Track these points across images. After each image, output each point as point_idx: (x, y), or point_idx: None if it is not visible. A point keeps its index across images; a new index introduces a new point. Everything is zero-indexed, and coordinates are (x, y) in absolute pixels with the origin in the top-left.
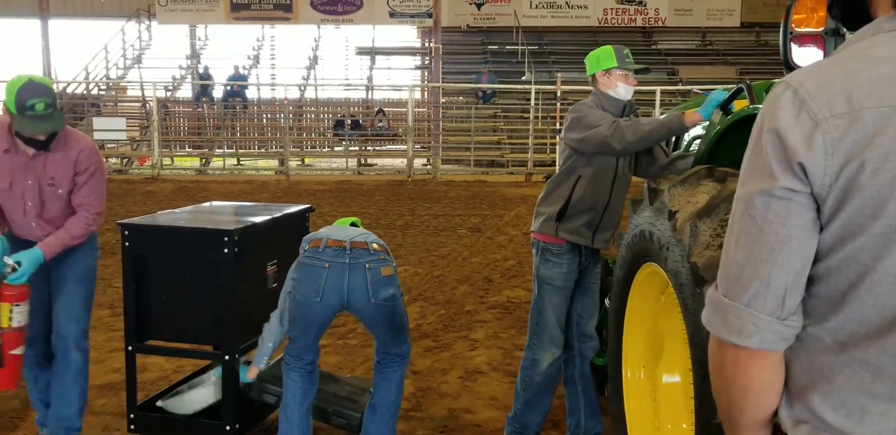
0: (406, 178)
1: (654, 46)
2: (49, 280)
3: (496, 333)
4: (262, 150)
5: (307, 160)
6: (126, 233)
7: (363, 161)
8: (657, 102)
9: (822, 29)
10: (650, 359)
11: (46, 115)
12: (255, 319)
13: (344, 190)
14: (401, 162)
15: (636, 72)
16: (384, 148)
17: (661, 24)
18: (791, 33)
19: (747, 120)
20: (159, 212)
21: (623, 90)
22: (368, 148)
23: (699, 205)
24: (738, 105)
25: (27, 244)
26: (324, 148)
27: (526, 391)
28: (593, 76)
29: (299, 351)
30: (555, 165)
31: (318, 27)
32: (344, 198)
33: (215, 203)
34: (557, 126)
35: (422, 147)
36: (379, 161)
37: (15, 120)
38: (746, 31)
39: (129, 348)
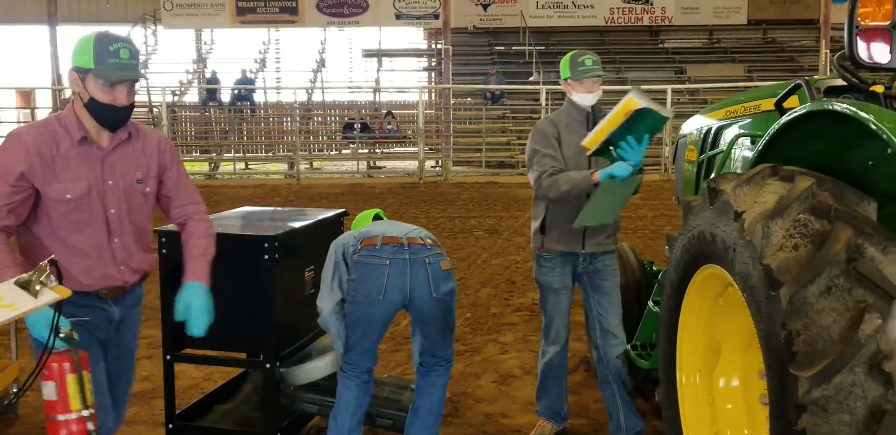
0: (417, 180)
1: (661, 45)
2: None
3: (525, 335)
4: (271, 154)
5: (316, 163)
6: (163, 240)
7: (372, 164)
8: (668, 101)
9: (889, 22)
10: (706, 363)
11: (132, 65)
12: (293, 326)
13: (356, 193)
14: (409, 164)
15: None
16: (391, 150)
17: (668, 23)
18: (857, 27)
19: (806, 117)
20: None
21: (580, 98)
22: (377, 151)
23: (768, 205)
24: (790, 103)
25: (80, 307)
26: (331, 151)
27: (538, 379)
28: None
29: (357, 357)
30: None
31: (325, 30)
32: (357, 201)
33: (248, 208)
34: None
35: (430, 149)
36: (387, 164)
37: (91, 77)
38: (753, 29)
39: (168, 357)
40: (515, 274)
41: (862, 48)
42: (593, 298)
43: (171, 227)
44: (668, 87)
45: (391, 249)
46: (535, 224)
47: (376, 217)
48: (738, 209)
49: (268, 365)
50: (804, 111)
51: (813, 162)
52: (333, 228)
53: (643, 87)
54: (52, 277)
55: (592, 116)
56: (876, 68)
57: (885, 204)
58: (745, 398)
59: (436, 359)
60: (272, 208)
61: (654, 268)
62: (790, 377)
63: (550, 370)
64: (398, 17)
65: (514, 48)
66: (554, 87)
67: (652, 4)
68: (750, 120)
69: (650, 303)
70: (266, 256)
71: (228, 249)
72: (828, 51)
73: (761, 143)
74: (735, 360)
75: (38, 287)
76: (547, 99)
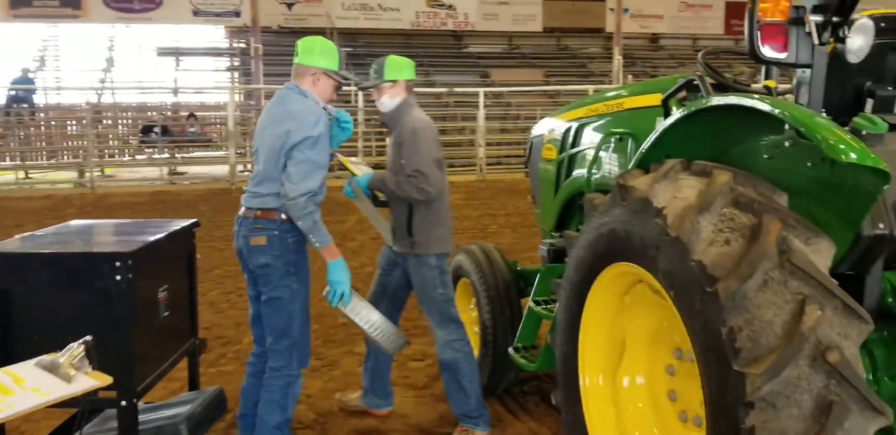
0: (230, 185)
1: (465, 50)
2: None
3: None
4: (54, 161)
5: (108, 171)
6: None
7: (172, 169)
8: (481, 104)
9: (786, 19)
10: (609, 363)
11: None
12: (150, 355)
13: (162, 201)
14: (215, 169)
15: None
16: (193, 155)
17: (470, 29)
18: (757, 23)
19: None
20: (16, 236)
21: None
22: (177, 155)
23: (690, 200)
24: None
25: None
26: (124, 157)
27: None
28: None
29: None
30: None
31: (112, 26)
32: (164, 209)
33: (79, 222)
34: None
35: (239, 153)
36: (190, 169)
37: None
38: (548, 36)
39: None
40: (355, 280)
41: (762, 43)
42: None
43: None
44: (481, 91)
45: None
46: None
47: None
48: (657, 205)
49: (123, 402)
50: (706, 105)
51: (701, 157)
52: (186, 240)
53: (456, 89)
54: (87, 361)
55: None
56: (774, 63)
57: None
58: (651, 396)
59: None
60: (107, 221)
61: (519, 268)
62: (734, 375)
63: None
64: (196, 13)
65: None
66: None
67: (455, 10)
68: (612, 118)
69: (531, 303)
70: (118, 277)
71: (71, 270)
72: (620, 57)
73: (651, 138)
74: (640, 357)
75: (71, 372)
76: (357, 100)
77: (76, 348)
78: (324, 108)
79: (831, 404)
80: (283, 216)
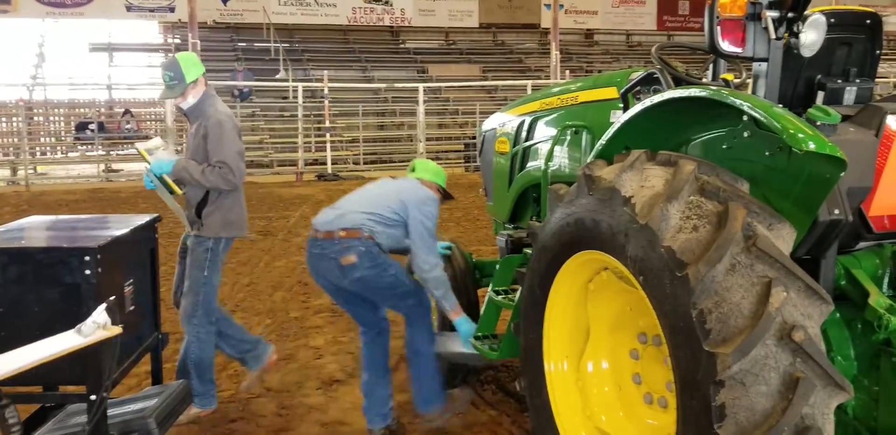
0: None
1: (402, 45)
2: None
3: (335, 338)
4: None
5: (40, 168)
6: None
7: (108, 167)
8: (420, 100)
9: (744, 14)
10: (573, 349)
11: None
12: (118, 348)
13: (100, 199)
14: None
15: None
16: (126, 152)
17: (407, 24)
18: (717, 18)
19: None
20: None
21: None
22: (114, 153)
23: (657, 188)
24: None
25: None
26: (55, 154)
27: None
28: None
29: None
30: (325, 164)
31: (43, 21)
32: (103, 207)
33: (38, 218)
34: (327, 123)
35: (178, 150)
36: (126, 166)
37: None
38: (485, 32)
39: None
40: (304, 275)
41: (721, 38)
42: None
43: None
44: (420, 86)
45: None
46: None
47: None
48: (625, 194)
49: (93, 397)
50: (669, 98)
51: (661, 148)
52: (147, 235)
53: (396, 85)
54: (108, 321)
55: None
56: (733, 56)
57: None
58: (616, 379)
59: None
60: (67, 217)
61: (475, 259)
62: (705, 355)
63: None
64: (129, 9)
65: (257, 45)
66: (309, 84)
67: (391, 5)
68: (566, 111)
69: (491, 293)
70: (87, 271)
71: (38, 265)
72: (557, 52)
73: (611, 130)
74: (603, 342)
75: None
76: (296, 96)
77: (101, 309)
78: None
79: (797, 381)
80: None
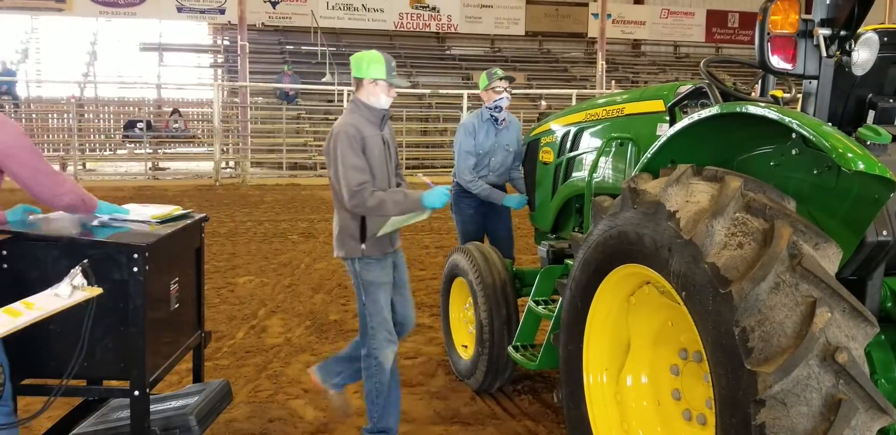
0: (214, 182)
1: (447, 51)
2: None
3: None
4: None
5: (89, 164)
6: (3, 253)
7: (155, 165)
8: (464, 106)
9: (795, 31)
10: (613, 362)
11: None
12: (162, 347)
13: (147, 196)
14: (197, 165)
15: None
16: (175, 150)
17: (453, 31)
18: (768, 34)
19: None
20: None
21: (385, 101)
22: (161, 151)
23: (703, 204)
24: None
25: None
26: (104, 151)
27: (380, 396)
28: (360, 81)
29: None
30: None
31: (96, 20)
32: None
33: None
34: None
35: (223, 150)
36: (171, 165)
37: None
38: (531, 40)
39: None
40: (344, 278)
41: (772, 54)
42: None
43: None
44: (465, 93)
45: None
46: (345, 232)
47: None
48: (670, 209)
49: (136, 392)
50: (717, 113)
51: (706, 163)
52: (195, 234)
53: (440, 91)
54: (85, 281)
55: (384, 119)
56: (783, 73)
57: None
58: (655, 395)
59: None
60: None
61: (514, 268)
62: (746, 373)
63: (392, 376)
64: (180, 10)
65: (304, 48)
66: (351, 88)
67: (438, 12)
68: (612, 123)
69: (531, 303)
70: (135, 268)
71: (87, 259)
72: (603, 62)
73: (657, 143)
74: (643, 357)
75: (68, 291)
76: (341, 100)
77: (77, 271)
78: None
79: (839, 403)
80: None
